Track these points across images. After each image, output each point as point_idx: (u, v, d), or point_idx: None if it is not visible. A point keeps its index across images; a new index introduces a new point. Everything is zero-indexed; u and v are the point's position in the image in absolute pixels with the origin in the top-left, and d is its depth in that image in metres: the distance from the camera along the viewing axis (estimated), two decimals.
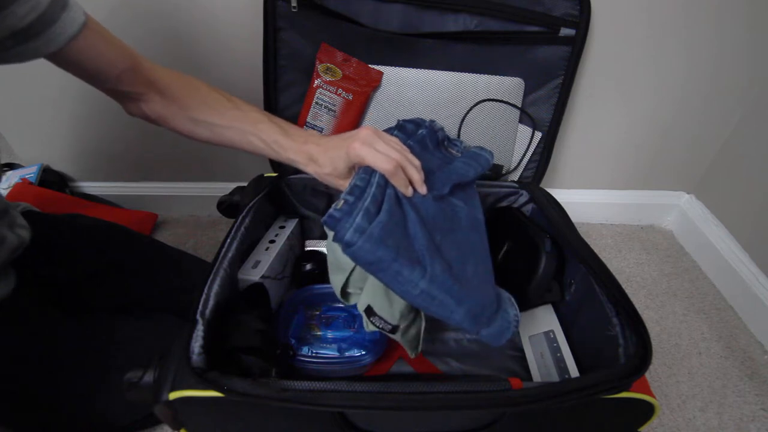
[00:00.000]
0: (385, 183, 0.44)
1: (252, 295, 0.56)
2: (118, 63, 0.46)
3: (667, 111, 0.82)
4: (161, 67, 0.51)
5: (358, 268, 0.49)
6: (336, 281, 0.53)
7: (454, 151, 0.60)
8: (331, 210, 0.40)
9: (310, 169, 0.50)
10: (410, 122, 0.57)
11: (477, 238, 0.49)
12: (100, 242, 0.64)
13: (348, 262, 0.49)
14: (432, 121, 0.58)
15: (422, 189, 0.46)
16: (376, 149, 0.45)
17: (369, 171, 0.44)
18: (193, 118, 0.51)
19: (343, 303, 0.55)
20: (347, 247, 0.39)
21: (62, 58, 0.43)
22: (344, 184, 0.48)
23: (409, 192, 0.45)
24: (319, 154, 0.49)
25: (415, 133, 0.55)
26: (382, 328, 0.49)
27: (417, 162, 0.47)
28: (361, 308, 0.50)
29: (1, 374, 0.51)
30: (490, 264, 0.48)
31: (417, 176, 0.46)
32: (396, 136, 0.53)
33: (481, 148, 0.58)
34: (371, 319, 0.49)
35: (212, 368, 0.39)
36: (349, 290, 0.53)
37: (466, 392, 0.37)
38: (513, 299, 0.50)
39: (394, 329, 0.49)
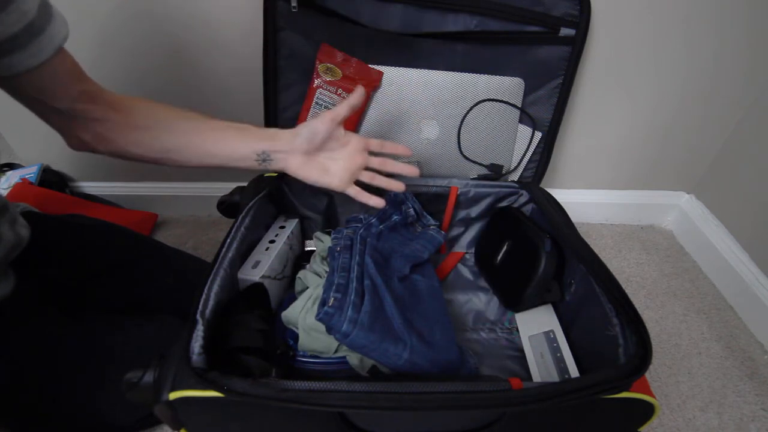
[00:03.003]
0: (362, 276, 0.53)
1: (252, 295, 0.56)
2: (83, 79, 0.47)
3: (667, 111, 0.82)
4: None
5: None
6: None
7: (418, 228, 0.71)
8: (324, 308, 0.47)
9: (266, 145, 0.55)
10: (391, 203, 0.68)
11: (437, 304, 0.59)
12: (100, 242, 0.64)
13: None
14: (407, 206, 0.68)
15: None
16: None
17: (346, 268, 0.53)
18: (140, 126, 0.51)
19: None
20: (345, 337, 0.47)
21: (33, 76, 0.41)
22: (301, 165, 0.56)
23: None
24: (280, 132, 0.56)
25: (390, 218, 0.68)
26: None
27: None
28: (362, 370, 0.53)
29: (1, 374, 0.51)
30: (451, 325, 0.57)
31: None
32: (372, 223, 0.65)
33: (438, 231, 0.70)
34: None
35: (212, 368, 0.39)
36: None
37: (466, 392, 0.37)
38: (470, 351, 0.60)
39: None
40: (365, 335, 0.47)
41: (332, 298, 0.49)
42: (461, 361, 0.55)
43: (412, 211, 0.69)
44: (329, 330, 0.48)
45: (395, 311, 0.51)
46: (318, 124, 0.55)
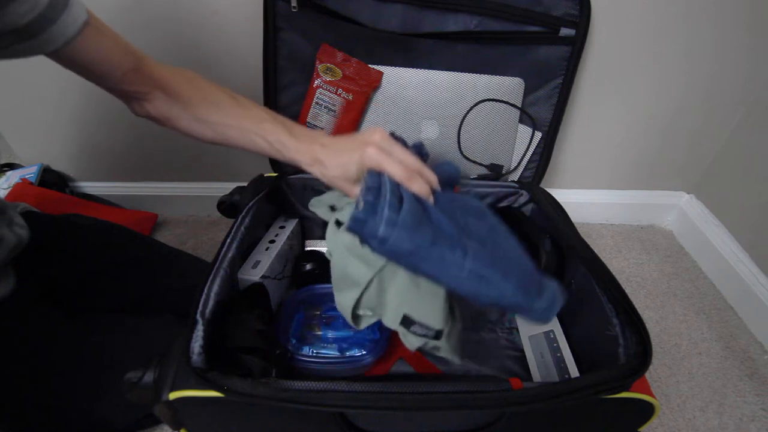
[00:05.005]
0: (396, 185, 0.42)
1: (252, 295, 0.56)
2: (121, 64, 0.46)
3: (667, 111, 0.82)
4: (166, 65, 0.50)
5: (374, 283, 0.45)
6: (345, 301, 0.48)
7: None
8: (353, 214, 0.38)
9: (315, 170, 0.48)
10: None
11: (491, 219, 0.48)
12: (100, 242, 0.64)
13: (363, 275, 0.45)
14: (421, 145, 0.56)
15: (439, 189, 0.46)
16: (392, 155, 0.43)
17: (376, 176, 0.42)
18: (196, 117, 0.51)
19: (353, 327, 0.50)
20: (383, 243, 0.37)
21: (64, 58, 0.42)
22: (350, 187, 0.47)
23: (429, 197, 0.43)
24: (327, 156, 0.47)
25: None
26: (425, 336, 0.44)
27: (429, 171, 0.45)
28: (393, 322, 0.45)
29: (1, 374, 0.51)
30: (514, 238, 0.45)
31: (434, 179, 0.45)
32: None
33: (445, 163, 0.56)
34: (411, 329, 0.44)
35: (212, 368, 0.39)
36: (360, 312, 0.49)
37: (466, 392, 0.37)
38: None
39: (439, 334, 0.44)
40: (409, 236, 0.37)
41: (362, 202, 0.39)
42: (540, 276, 0.42)
43: (425, 149, 0.55)
44: (363, 240, 0.39)
45: (442, 216, 0.41)
46: (385, 166, 0.44)
